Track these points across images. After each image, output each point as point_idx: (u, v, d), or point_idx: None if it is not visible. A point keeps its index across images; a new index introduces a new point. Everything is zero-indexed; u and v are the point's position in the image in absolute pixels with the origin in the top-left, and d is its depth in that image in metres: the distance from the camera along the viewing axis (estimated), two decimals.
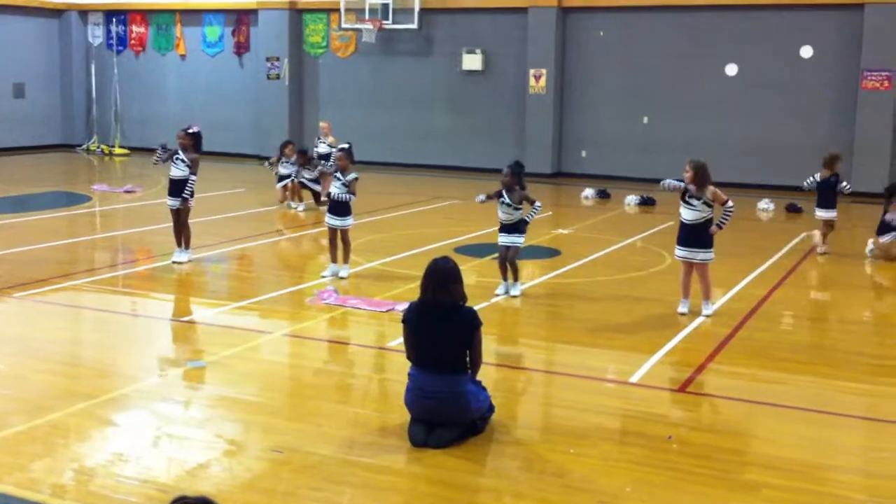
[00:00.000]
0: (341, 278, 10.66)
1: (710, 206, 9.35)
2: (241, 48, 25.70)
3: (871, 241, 12.94)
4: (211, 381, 7.25)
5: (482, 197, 10.26)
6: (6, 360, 7.70)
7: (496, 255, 10.33)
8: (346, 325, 9.06)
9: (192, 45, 26.35)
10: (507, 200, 9.94)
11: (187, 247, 11.54)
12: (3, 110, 25.67)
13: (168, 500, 4.85)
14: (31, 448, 5.81)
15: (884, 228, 12.75)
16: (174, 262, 11.36)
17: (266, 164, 18.09)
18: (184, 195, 11.35)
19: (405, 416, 6.16)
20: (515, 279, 10.14)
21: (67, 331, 8.97)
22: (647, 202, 18.01)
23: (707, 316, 9.35)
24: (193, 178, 11.41)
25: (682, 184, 9.27)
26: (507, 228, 10.02)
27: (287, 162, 16.81)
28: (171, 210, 11.49)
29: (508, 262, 10.04)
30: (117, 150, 26.33)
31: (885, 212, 12.82)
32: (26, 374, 7.33)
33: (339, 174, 10.81)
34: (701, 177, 9.28)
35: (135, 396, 6.89)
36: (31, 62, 26.65)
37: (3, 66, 25.69)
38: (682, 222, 9.46)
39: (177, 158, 11.39)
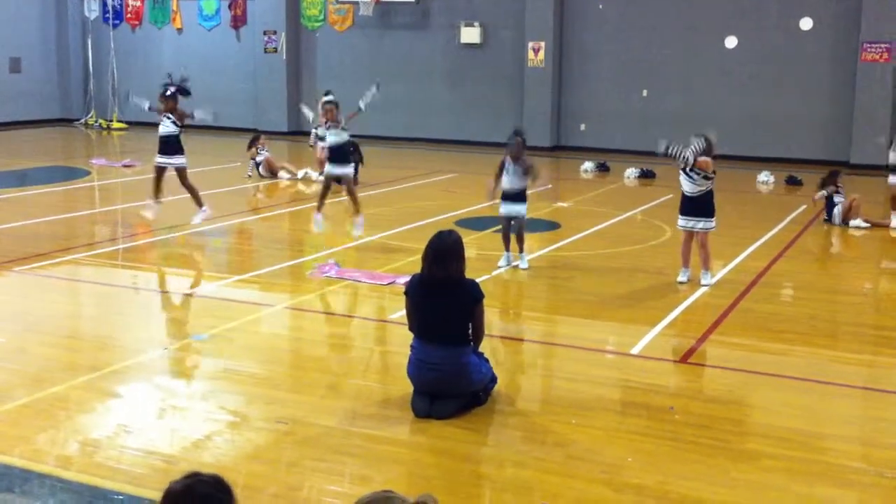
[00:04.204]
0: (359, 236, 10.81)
1: (709, 178, 9.36)
2: (238, 22, 25.55)
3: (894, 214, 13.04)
4: (213, 353, 7.27)
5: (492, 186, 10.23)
6: (7, 333, 7.71)
7: (498, 227, 10.32)
8: (347, 299, 9.07)
9: (189, 19, 26.19)
10: (514, 168, 9.90)
11: (200, 204, 11.80)
12: (0, 85, 25.52)
13: (174, 472, 4.90)
14: (35, 420, 5.83)
15: None
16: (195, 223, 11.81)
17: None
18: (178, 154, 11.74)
19: (407, 388, 6.19)
20: (521, 250, 10.13)
21: (68, 304, 8.98)
22: (646, 175, 17.99)
23: (706, 286, 9.38)
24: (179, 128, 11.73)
25: (689, 157, 9.24)
26: (511, 197, 9.98)
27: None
28: (157, 167, 11.70)
29: (516, 233, 10.03)
30: (115, 125, 26.22)
31: None
32: (28, 348, 7.35)
33: (330, 125, 10.85)
34: (707, 150, 9.34)
35: (137, 369, 6.91)
36: (27, 36, 26.49)
37: None
38: (683, 194, 9.51)
39: (163, 115, 11.53)
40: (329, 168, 10.93)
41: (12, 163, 18.62)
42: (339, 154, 10.81)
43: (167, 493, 2.93)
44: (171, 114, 11.59)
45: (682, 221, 9.56)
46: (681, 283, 9.47)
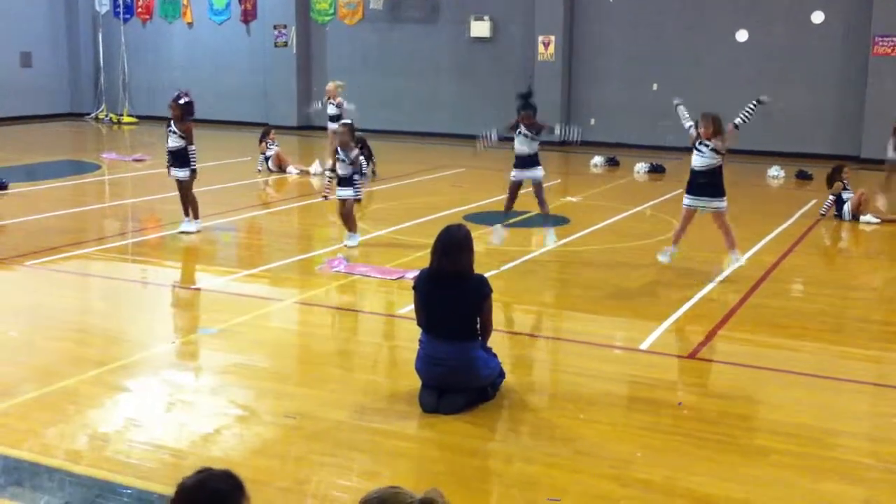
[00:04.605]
0: (349, 247, 10.65)
1: (719, 153, 9.41)
2: (248, 16, 25.57)
3: None
4: (222, 348, 7.28)
5: (494, 137, 10.34)
6: (17, 327, 7.75)
7: (504, 222, 10.32)
8: (355, 293, 9.08)
9: (199, 13, 26.22)
10: (526, 132, 10.08)
11: (196, 217, 11.53)
12: (10, 79, 25.60)
13: (183, 466, 4.92)
14: (44, 415, 5.86)
15: None
16: (181, 233, 11.35)
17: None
18: (191, 167, 11.34)
19: (415, 383, 6.19)
20: (546, 212, 10.31)
21: (78, 299, 9.01)
22: (656, 170, 17.95)
23: (739, 264, 9.58)
24: (192, 148, 11.41)
25: (691, 127, 9.39)
26: (525, 161, 10.15)
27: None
28: (175, 180, 11.50)
29: (536, 196, 10.33)
30: (126, 119, 26.28)
31: None
32: (37, 342, 7.39)
33: (341, 152, 10.67)
34: (716, 129, 9.38)
35: (146, 363, 6.93)
36: (37, 31, 26.56)
37: (10, 35, 25.61)
38: (691, 169, 9.53)
39: (169, 129, 11.43)
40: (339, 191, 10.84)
41: (23, 157, 18.68)
42: (343, 181, 10.74)
43: (180, 488, 2.95)
44: (178, 123, 11.48)
45: (687, 200, 9.65)
46: (662, 261, 9.55)
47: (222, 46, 25.88)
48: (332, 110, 16.76)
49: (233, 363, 6.91)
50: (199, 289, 9.21)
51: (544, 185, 10.87)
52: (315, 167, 16.85)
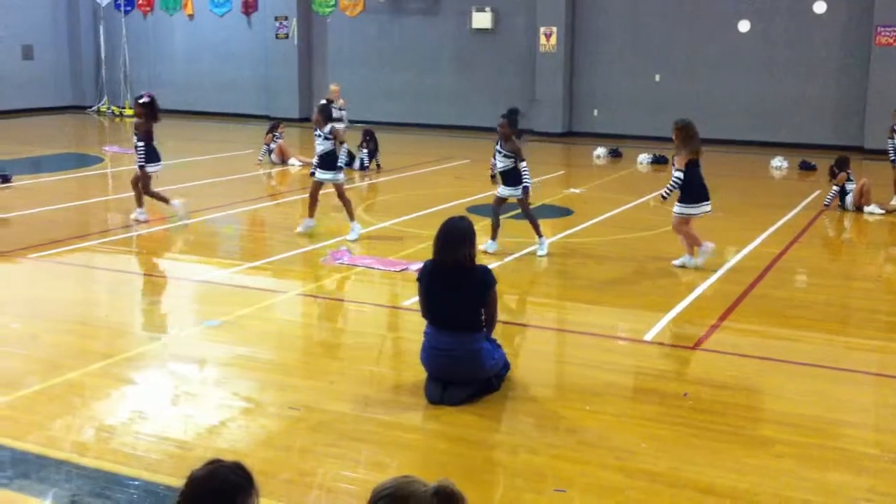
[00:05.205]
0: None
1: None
2: (249, 8, 25.53)
3: None
4: (226, 340, 7.29)
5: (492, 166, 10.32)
6: (21, 320, 7.76)
7: (512, 213, 10.31)
8: (359, 285, 9.08)
9: (200, 5, 26.19)
10: (499, 149, 9.97)
11: (140, 205, 11.72)
12: (12, 72, 25.61)
13: (189, 458, 4.93)
14: (50, 407, 5.86)
15: None
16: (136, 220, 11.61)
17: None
18: (137, 163, 11.54)
19: (420, 374, 6.20)
20: (539, 234, 10.13)
21: (82, 291, 9.01)
22: (659, 161, 17.93)
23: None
24: (140, 145, 11.47)
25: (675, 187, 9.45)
26: (504, 179, 10.04)
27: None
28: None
29: (525, 213, 10.09)
30: (127, 112, 26.24)
31: None
32: (41, 335, 7.39)
33: (317, 130, 10.76)
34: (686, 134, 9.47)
35: (151, 356, 6.94)
36: (39, 23, 26.55)
37: (11, 27, 25.59)
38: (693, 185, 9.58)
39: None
40: (318, 174, 10.86)
41: (26, 150, 18.69)
42: (324, 161, 10.76)
43: (190, 479, 2.97)
44: (139, 120, 11.58)
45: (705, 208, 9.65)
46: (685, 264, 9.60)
47: (223, 38, 25.86)
48: (334, 113, 16.77)
49: (237, 355, 6.91)
50: (202, 281, 9.21)
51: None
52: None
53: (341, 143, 10.86)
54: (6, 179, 14.25)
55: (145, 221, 11.56)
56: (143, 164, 11.47)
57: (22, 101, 25.73)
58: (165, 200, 11.57)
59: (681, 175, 9.38)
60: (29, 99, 26.05)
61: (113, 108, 26.68)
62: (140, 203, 11.69)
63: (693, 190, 9.47)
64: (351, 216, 10.84)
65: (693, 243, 9.58)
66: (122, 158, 17.65)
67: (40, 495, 4.73)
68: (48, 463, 5.07)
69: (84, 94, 27.65)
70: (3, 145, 19.02)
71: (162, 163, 11.85)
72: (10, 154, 17.63)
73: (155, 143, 11.66)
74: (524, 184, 9.91)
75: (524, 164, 9.91)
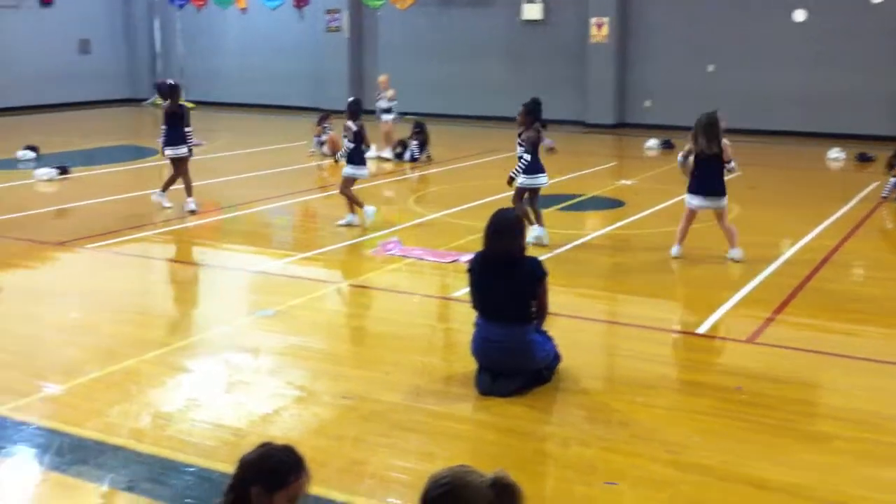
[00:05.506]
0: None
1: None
2: (301, 1, 25.66)
3: None
4: (279, 329, 7.36)
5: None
6: (81, 309, 7.92)
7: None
8: (410, 276, 9.11)
9: None
10: (518, 139, 9.99)
11: (165, 190, 12.09)
12: (69, 66, 26.08)
13: (243, 445, 4.99)
14: (108, 394, 5.98)
15: None
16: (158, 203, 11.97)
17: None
18: (188, 145, 12.03)
19: (470, 366, 6.21)
20: (538, 222, 10.09)
21: (138, 281, 9.16)
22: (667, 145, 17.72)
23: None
24: (188, 129, 12.00)
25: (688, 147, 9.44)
26: (524, 168, 9.99)
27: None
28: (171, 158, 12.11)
29: (512, 200, 10.09)
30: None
31: None
32: (100, 324, 7.53)
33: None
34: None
35: (205, 344, 7.05)
36: (95, 18, 27.00)
37: (68, 22, 26.06)
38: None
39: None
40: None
41: (83, 143, 19.03)
42: (349, 156, 10.95)
43: (242, 461, 3.02)
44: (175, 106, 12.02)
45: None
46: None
47: (276, 32, 26.05)
48: (383, 104, 16.87)
49: (290, 344, 6.99)
50: (256, 271, 9.31)
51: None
52: (370, 151, 16.91)
53: (351, 140, 10.97)
54: (64, 171, 14.53)
55: (193, 212, 11.73)
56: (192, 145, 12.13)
57: (79, 95, 26.21)
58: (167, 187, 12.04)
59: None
60: (86, 92, 26.51)
61: (155, 101, 27.00)
62: (189, 193, 11.96)
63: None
64: (357, 206, 11.02)
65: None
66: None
67: (98, 481, 4.83)
68: (106, 449, 5.17)
69: (139, 87, 28.06)
70: (60, 138, 19.38)
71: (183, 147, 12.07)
72: (68, 146, 17.98)
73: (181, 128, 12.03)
74: (510, 172, 9.98)
75: (528, 155, 9.87)
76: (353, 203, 11.01)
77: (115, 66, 27.70)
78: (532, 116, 10.00)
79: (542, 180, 10.04)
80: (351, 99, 11.41)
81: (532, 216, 10.06)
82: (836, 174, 16.38)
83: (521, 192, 10.04)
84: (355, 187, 11.27)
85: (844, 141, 18.58)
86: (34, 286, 8.78)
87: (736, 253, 9.45)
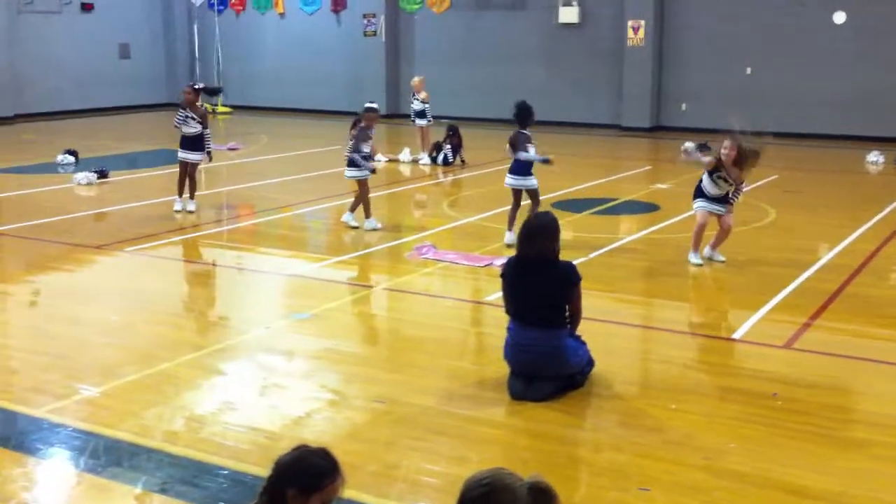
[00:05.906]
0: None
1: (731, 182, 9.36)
2: (339, 5, 25.82)
3: None
4: (314, 332, 7.40)
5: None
6: (119, 311, 8.00)
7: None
8: (444, 280, 9.11)
9: (291, 4, 26.59)
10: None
11: (192, 197, 12.23)
12: (109, 70, 26.40)
13: (277, 448, 5.01)
14: (144, 396, 6.04)
15: None
16: (184, 211, 12.04)
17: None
18: (206, 150, 12.24)
19: (503, 370, 6.20)
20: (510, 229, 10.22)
21: (175, 284, 9.26)
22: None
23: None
24: (208, 132, 12.26)
25: (708, 159, 9.25)
26: (513, 168, 10.30)
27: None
28: (182, 162, 12.23)
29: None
30: (220, 109, 26.81)
31: None
32: (137, 326, 7.62)
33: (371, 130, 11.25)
34: (741, 159, 9.24)
35: (241, 347, 7.09)
36: (135, 23, 27.31)
37: (108, 27, 26.38)
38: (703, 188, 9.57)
39: (187, 117, 11.92)
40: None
41: (123, 146, 19.25)
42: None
43: (278, 463, 3.04)
44: (193, 109, 12.05)
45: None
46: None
47: (313, 36, 26.21)
48: (417, 105, 16.91)
49: (324, 348, 7.02)
50: (291, 275, 9.36)
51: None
52: (404, 154, 16.98)
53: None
54: (103, 175, 14.71)
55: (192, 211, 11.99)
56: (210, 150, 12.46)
57: (119, 99, 26.53)
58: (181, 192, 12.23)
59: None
60: (125, 96, 26.83)
61: (206, 105, 27.19)
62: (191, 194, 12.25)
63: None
64: (357, 210, 11.10)
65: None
66: (214, 155, 17.98)
67: (131, 483, 4.87)
68: (140, 451, 5.22)
69: (178, 91, 28.29)
70: (100, 141, 19.63)
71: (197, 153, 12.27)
72: (108, 150, 18.20)
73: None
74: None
75: (517, 154, 10.24)
76: (361, 204, 11.12)
77: (155, 70, 27.99)
78: (518, 121, 10.43)
79: (508, 180, 10.36)
80: (368, 105, 11.59)
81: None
82: (875, 178, 16.15)
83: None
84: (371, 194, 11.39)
85: (883, 144, 18.32)
86: (73, 289, 8.89)
87: (709, 251, 9.54)
